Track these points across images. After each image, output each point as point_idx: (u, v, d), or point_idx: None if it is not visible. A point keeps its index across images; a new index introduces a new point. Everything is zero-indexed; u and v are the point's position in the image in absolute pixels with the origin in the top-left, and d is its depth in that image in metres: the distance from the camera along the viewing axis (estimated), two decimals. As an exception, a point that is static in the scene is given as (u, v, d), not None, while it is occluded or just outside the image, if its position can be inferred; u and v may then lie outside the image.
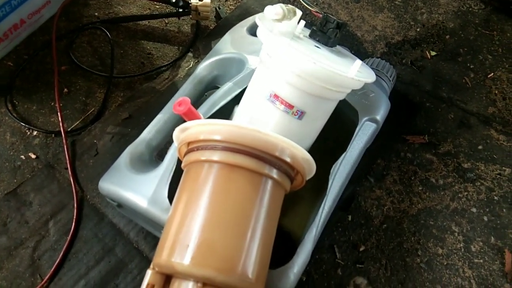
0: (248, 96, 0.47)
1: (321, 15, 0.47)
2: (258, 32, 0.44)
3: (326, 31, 0.46)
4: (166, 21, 0.76)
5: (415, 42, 0.77)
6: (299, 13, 0.44)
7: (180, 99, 0.39)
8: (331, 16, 0.46)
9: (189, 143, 0.32)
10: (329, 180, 0.48)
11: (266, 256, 0.30)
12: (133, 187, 0.47)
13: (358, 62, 0.41)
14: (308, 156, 0.32)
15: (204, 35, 0.75)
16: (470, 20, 0.80)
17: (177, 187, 0.47)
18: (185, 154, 0.33)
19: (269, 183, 0.31)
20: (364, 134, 0.52)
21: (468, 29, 0.79)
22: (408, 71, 0.75)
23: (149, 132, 0.54)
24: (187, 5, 0.74)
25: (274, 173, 0.31)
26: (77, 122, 0.65)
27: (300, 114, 0.44)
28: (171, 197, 0.45)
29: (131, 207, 0.46)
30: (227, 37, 0.63)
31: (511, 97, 0.73)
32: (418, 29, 0.78)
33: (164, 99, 0.67)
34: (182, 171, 0.48)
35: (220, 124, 0.31)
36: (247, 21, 0.65)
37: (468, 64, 0.76)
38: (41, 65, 0.69)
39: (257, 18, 0.44)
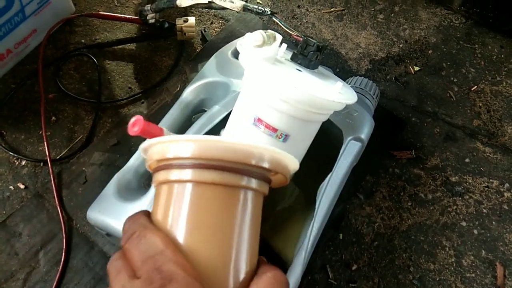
0: (233, 121, 0.48)
1: (301, 39, 0.48)
2: (240, 58, 0.45)
3: (307, 54, 0.47)
4: (153, 45, 0.77)
5: (399, 58, 0.78)
6: (279, 38, 0.45)
7: (133, 120, 0.38)
8: (311, 39, 0.47)
9: (157, 161, 0.29)
10: (317, 201, 0.48)
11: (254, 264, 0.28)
12: (121, 216, 0.47)
13: (339, 84, 0.42)
14: (287, 155, 0.29)
15: (190, 58, 0.76)
16: (452, 34, 0.82)
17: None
18: (153, 171, 0.30)
19: (249, 194, 0.28)
20: (349, 153, 0.52)
21: (450, 43, 0.81)
22: (393, 87, 0.76)
23: (137, 159, 0.54)
24: (172, 26, 0.75)
25: (253, 183, 0.28)
26: (65, 150, 0.65)
27: (285, 137, 0.44)
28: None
29: (119, 237, 0.46)
30: (212, 60, 0.64)
31: (495, 109, 0.74)
32: (401, 45, 0.80)
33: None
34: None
35: (185, 139, 0.26)
36: (231, 45, 0.66)
37: (452, 78, 0.77)
38: (28, 93, 0.69)
39: (238, 44, 0.45)
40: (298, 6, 0.83)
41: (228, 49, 0.65)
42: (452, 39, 0.81)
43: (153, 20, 0.73)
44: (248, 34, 0.43)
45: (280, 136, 0.44)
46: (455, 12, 0.84)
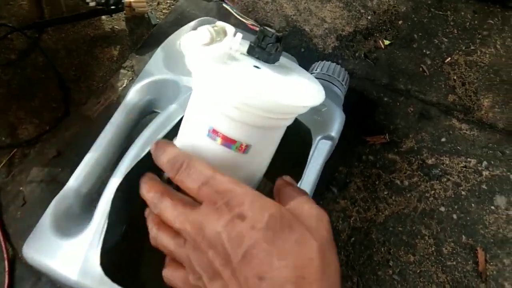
0: (185, 131, 0.41)
1: (257, 28, 0.41)
2: (186, 61, 0.37)
3: (265, 46, 0.40)
4: (92, 35, 0.67)
5: (367, 32, 0.72)
6: (230, 31, 0.38)
7: None
8: (268, 29, 0.40)
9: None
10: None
11: None
12: (59, 255, 0.40)
13: (305, 81, 0.36)
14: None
15: (137, 47, 0.67)
16: (422, 1, 0.75)
17: (112, 249, 0.41)
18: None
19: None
20: (319, 154, 0.47)
21: (421, 12, 0.75)
22: (363, 65, 0.70)
23: (77, 179, 0.47)
24: (119, 1, 0.65)
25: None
26: (-2, 168, 0.57)
27: (245, 148, 0.38)
28: (104, 264, 0.39)
29: (60, 281, 0.40)
30: (158, 54, 0.55)
31: (470, 81, 0.70)
32: (369, 17, 0.73)
33: (97, 129, 0.59)
34: (116, 229, 0.42)
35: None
36: (181, 32, 0.58)
37: (424, 50, 0.72)
38: None
39: (182, 44, 0.37)
40: (254, -22, 0.75)
41: (176, 38, 0.57)
42: (422, 7, 0.75)
43: (93, 3, 0.63)
44: (192, 32, 0.35)
45: (241, 148, 0.38)
46: (424, -25, 0.77)
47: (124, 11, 0.66)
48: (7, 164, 0.57)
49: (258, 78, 0.36)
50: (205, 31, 0.35)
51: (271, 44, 0.39)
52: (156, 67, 0.54)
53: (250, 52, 0.40)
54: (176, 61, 0.54)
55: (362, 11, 0.73)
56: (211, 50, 0.37)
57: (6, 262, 0.51)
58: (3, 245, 0.52)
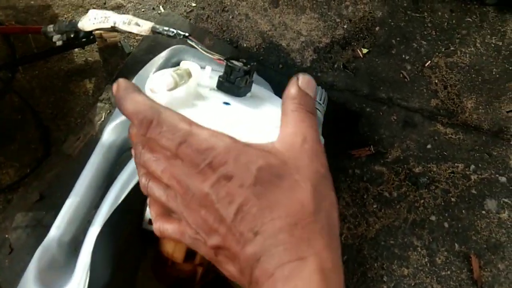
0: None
1: (224, 62, 0.40)
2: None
3: (234, 80, 0.39)
4: (66, 69, 0.66)
5: (345, 42, 0.71)
6: (195, 72, 0.37)
7: None
8: (235, 63, 0.39)
9: None
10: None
11: None
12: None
13: (274, 115, 0.35)
14: None
15: (112, 78, 0.66)
16: (398, 5, 0.75)
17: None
18: None
19: None
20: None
21: (398, 15, 0.74)
22: (342, 76, 0.69)
23: (59, 228, 0.46)
24: (89, 33, 0.63)
25: None
26: (-19, 217, 0.56)
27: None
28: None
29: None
30: (133, 86, 0.55)
31: (452, 83, 0.69)
32: (345, 26, 0.72)
33: (78, 167, 0.59)
34: (101, 276, 0.41)
35: None
36: (154, 63, 0.57)
37: (403, 56, 0.71)
38: None
39: (146, 89, 0.36)
40: (227, -4, 0.74)
41: (148, 71, 0.56)
42: (399, 10, 0.74)
43: (60, 42, 0.62)
44: (154, 79, 0.34)
45: None
46: (398, -22, 0.76)
47: (96, 42, 0.65)
48: (-11, 212, 0.57)
49: (225, 115, 0.35)
50: (169, 77, 0.34)
51: (239, 78, 0.38)
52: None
53: (220, 87, 0.39)
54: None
55: (338, 20, 0.73)
56: (177, 93, 0.36)
57: (-4, 314, 0.51)
58: (-8, 296, 0.51)
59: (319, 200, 0.24)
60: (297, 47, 0.71)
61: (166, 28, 0.43)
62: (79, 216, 0.48)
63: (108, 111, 0.63)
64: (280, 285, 0.22)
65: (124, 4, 0.71)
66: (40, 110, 0.63)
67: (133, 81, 0.56)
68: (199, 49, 0.42)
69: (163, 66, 0.57)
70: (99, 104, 0.64)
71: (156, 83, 0.34)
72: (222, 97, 0.38)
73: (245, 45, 0.70)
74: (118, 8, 0.71)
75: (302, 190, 0.24)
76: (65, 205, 0.48)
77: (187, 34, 0.40)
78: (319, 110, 0.54)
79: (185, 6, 0.72)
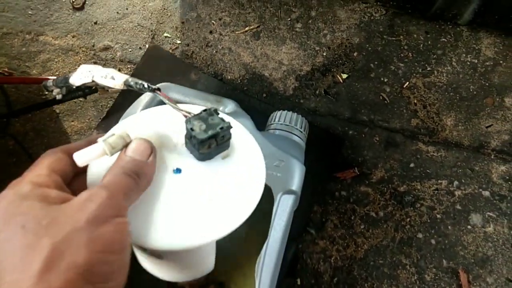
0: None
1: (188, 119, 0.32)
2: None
3: (194, 144, 0.31)
4: (59, 109, 0.69)
5: (325, 68, 0.74)
6: (133, 135, 0.31)
7: None
8: (193, 128, 0.30)
9: None
10: (255, 280, 0.44)
11: None
12: None
13: (232, 187, 0.30)
14: None
15: (102, 117, 0.69)
16: (374, 30, 0.78)
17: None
18: None
19: None
20: (283, 210, 0.48)
21: (374, 40, 0.77)
22: (324, 102, 0.71)
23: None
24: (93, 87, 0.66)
25: None
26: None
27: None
28: None
29: None
30: (120, 123, 0.57)
31: (431, 103, 0.72)
32: (324, 53, 0.75)
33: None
34: None
35: None
36: (140, 101, 0.59)
37: (382, 78, 0.74)
38: None
39: (76, 160, 0.28)
40: (210, 32, 0.77)
41: (137, 106, 0.59)
42: (375, 35, 0.77)
43: (60, 96, 0.64)
44: (80, 152, 0.28)
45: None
46: (372, 5, 0.80)
47: (98, 92, 0.67)
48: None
49: (159, 189, 0.30)
50: (98, 147, 0.29)
51: (198, 144, 0.30)
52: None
53: (188, 148, 0.33)
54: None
55: (317, 48, 0.76)
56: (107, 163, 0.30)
57: None
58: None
59: (54, 263, 0.22)
60: (280, 76, 0.73)
61: (138, 81, 0.43)
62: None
63: (99, 149, 0.65)
64: None
65: (112, 46, 0.75)
66: (34, 152, 0.65)
67: (121, 119, 0.58)
68: (167, 103, 0.34)
69: (148, 106, 0.60)
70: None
71: (82, 158, 0.28)
72: (180, 160, 0.31)
73: (229, 77, 0.73)
74: (106, 50, 0.74)
75: (38, 248, 0.22)
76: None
77: (155, 87, 0.39)
78: (300, 138, 0.56)
79: (170, 44, 0.76)
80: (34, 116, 0.68)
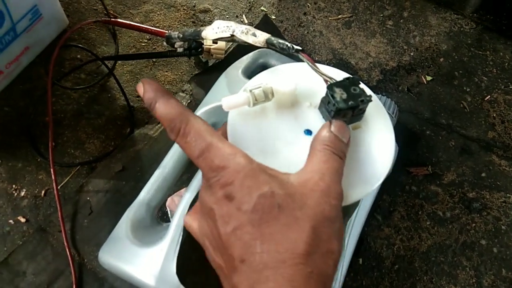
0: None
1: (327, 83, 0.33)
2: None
3: (329, 112, 0.31)
4: (156, 58, 0.72)
5: (410, 67, 0.76)
6: (279, 92, 0.32)
7: None
8: (334, 96, 0.30)
9: None
10: (345, 240, 0.46)
11: None
12: (137, 262, 0.44)
13: (371, 153, 0.32)
14: None
15: (196, 72, 0.72)
16: (463, 41, 0.79)
17: (185, 260, 0.44)
18: None
19: None
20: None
21: (461, 50, 0.78)
22: (406, 99, 0.73)
23: (148, 192, 0.51)
24: (199, 45, 0.65)
25: None
26: (67, 178, 0.61)
27: None
28: (179, 272, 0.42)
29: (136, 284, 0.43)
30: (222, 80, 0.60)
31: (509, 119, 0.73)
32: (411, 53, 0.77)
33: (159, 146, 0.64)
34: (189, 242, 0.45)
35: None
36: (241, 62, 0.62)
37: (464, 87, 0.75)
38: (23, 117, 0.64)
39: (224, 106, 0.32)
40: (304, 13, 0.80)
41: (238, 66, 0.61)
42: (463, 46, 0.79)
43: (181, 49, 0.64)
44: (228, 98, 0.31)
45: None
46: (465, 17, 0.81)
47: (203, 54, 0.67)
48: (75, 175, 0.62)
49: (288, 151, 0.31)
50: (243, 95, 0.32)
51: (332, 111, 0.30)
52: (219, 91, 0.58)
53: (320, 109, 0.33)
54: (238, 88, 0.58)
55: (405, 47, 0.78)
56: (250, 111, 0.32)
57: (71, 268, 0.55)
58: (67, 251, 0.55)
59: (315, 242, 0.23)
60: (365, 66, 0.76)
61: (281, 41, 0.44)
62: (167, 186, 0.52)
63: (189, 101, 0.69)
64: None
65: (212, 9, 0.78)
66: (128, 92, 0.69)
67: (223, 75, 0.61)
68: (309, 66, 0.36)
69: (248, 68, 0.62)
70: (180, 93, 0.69)
71: (232, 102, 0.31)
72: (312, 122, 0.33)
73: (316, 58, 0.76)
74: (205, 12, 0.78)
75: (299, 229, 0.23)
76: (154, 175, 0.52)
77: (300, 48, 0.40)
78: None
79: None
80: (133, 63, 0.72)
